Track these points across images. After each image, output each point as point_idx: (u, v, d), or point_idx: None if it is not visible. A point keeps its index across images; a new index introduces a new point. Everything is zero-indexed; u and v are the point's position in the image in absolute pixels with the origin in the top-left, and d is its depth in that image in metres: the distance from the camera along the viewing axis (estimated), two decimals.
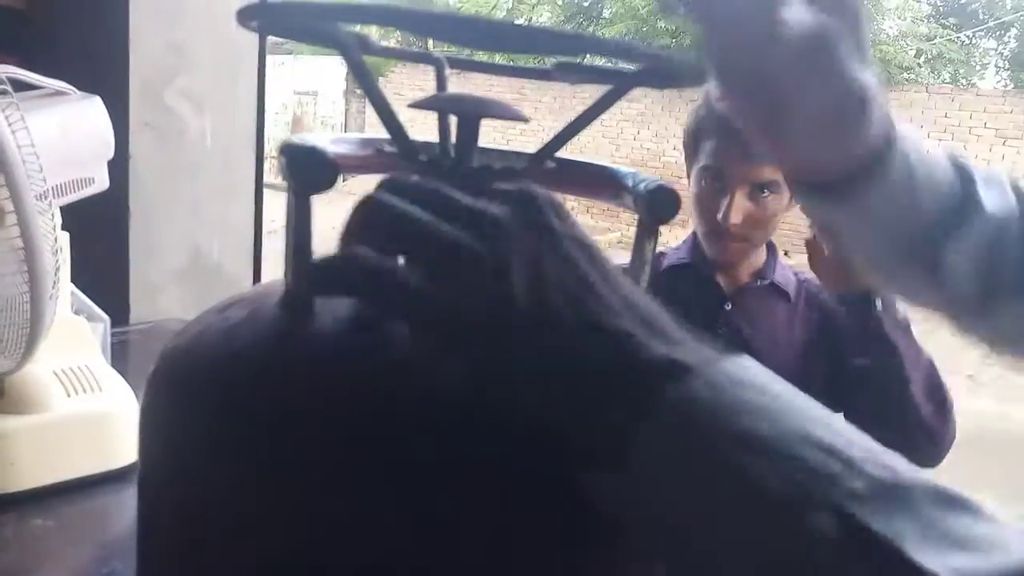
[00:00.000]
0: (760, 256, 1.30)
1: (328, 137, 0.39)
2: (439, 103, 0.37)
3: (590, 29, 11.63)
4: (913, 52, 10.91)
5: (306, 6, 0.33)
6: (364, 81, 0.35)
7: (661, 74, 0.36)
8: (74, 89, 0.84)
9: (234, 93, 1.29)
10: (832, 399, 1.25)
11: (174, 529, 0.36)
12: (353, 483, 0.31)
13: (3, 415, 0.75)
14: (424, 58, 0.45)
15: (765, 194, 1.15)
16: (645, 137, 10.33)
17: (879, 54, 9.83)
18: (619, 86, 0.36)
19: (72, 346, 0.81)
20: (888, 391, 1.16)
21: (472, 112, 0.35)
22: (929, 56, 11.40)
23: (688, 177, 1.23)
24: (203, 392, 0.34)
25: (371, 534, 0.31)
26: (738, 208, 1.15)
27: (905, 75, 10.36)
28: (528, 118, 0.37)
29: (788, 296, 1.28)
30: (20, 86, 0.77)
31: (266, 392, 0.32)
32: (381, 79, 11.45)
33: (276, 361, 0.33)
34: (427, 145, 0.40)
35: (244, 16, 0.35)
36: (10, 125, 0.67)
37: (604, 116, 0.36)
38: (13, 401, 0.75)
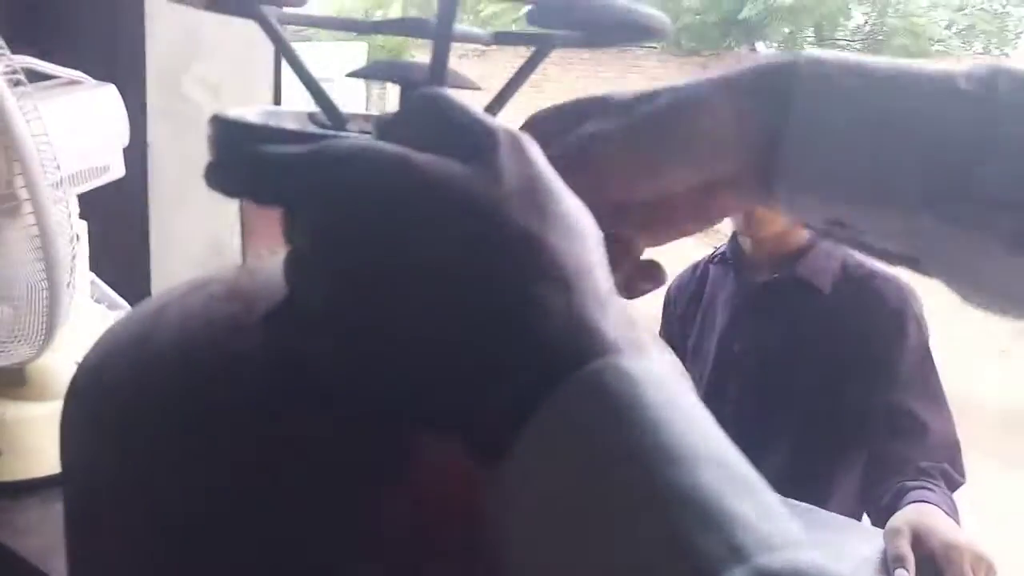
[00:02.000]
0: (794, 244, 1.22)
1: (258, 110, 0.38)
2: (385, 71, 0.36)
3: None
4: (944, 23, 10.66)
5: None
6: (284, 52, 0.34)
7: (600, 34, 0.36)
8: (88, 77, 0.85)
9: (251, 80, 1.29)
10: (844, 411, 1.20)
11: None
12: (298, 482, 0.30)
13: (25, 402, 0.76)
14: (348, 25, 0.43)
15: None
16: None
17: (910, 26, 9.63)
18: (542, 48, 0.36)
19: (92, 334, 0.81)
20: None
21: (418, 80, 0.34)
22: (960, 27, 11.14)
23: None
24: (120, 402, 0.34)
25: (313, 538, 0.30)
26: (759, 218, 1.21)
27: (936, 47, 10.15)
28: (480, 87, 0.36)
29: (819, 289, 1.19)
30: (35, 76, 0.78)
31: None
32: None
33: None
34: (357, 116, 0.38)
35: None
36: (24, 115, 0.67)
37: None
38: (34, 389, 0.76)
